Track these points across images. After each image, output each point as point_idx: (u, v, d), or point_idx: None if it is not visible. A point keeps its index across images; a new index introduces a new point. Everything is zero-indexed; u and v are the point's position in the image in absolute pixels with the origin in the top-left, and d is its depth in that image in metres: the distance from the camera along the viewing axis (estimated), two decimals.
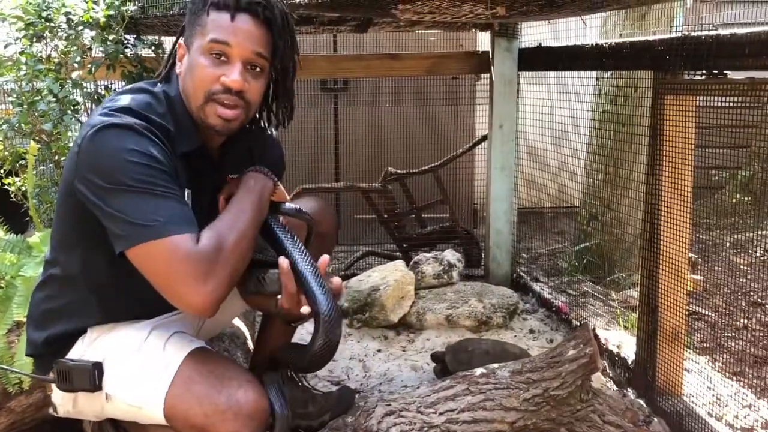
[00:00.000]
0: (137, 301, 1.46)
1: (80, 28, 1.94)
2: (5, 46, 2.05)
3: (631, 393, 2.20)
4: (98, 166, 1.26)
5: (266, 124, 1.57)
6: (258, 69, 1.39)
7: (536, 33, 3.11)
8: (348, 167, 3.97)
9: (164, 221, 1.23)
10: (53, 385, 1.45)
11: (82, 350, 1.42)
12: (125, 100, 1.35)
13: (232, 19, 1.34)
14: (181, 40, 1.42)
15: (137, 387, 1.36)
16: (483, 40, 3.48)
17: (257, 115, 1.53)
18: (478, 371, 1.94)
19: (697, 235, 4.26)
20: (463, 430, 1.81)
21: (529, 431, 1.86)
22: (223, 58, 1.34)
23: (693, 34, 1.85)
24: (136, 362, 1.39)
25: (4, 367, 1.69)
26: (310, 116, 3.91)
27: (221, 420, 1.28)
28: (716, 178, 4.87)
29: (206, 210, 1.48)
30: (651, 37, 2.04)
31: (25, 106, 1.89)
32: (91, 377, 1.38)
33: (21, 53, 2.01)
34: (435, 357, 2.30)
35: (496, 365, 1.97)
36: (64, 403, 1.47)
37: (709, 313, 2.97)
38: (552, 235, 4.29)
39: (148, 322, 1.49)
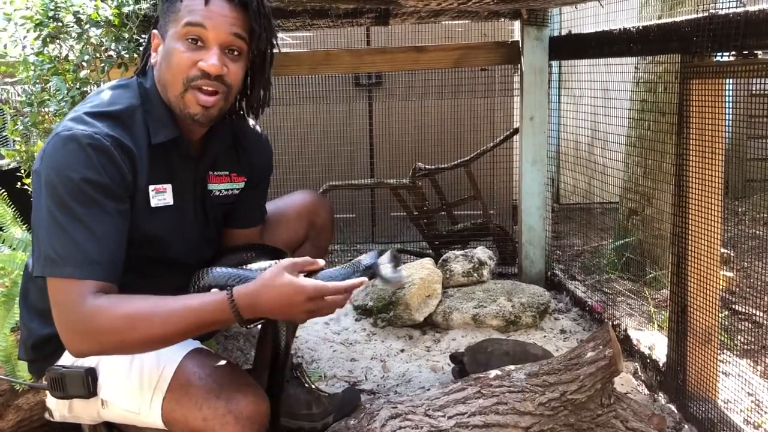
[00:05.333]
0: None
1: (87, 26, 1.94)
2: (23, 48, 2.07)
3: (662, 398, 2.07)
4: (44, 175, 1.25)
5: (245, 114, 1.53)
6: (236, 52, 1.35)
7: (568, 20, 2.98)
8: (383, 163, 3.92)
9: (70, 257, 1.21)
10: (47, 392, 1.44)
11: None
12: (102, 98, 1.35)
13: (206, 3, 1.31)
14: (155, 31, 1.39)
15: (133, 392, 1.34)
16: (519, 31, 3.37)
17: (236, 105, 1.49)
18: (492, 373, 1.85)
19: (756, 231, 4.03)
20: None
21: None
22: (199, 43, 1.31)
23: (721, 12, 1.72)
24: (130, 366, 1.36)
25: (0, 377, 1.69)
26: (344, 112, 3.87)
27: (221, 424, 1.24)
28: None
29: (189, 206, 1.45)
30: (678, 18, 1.91)
31: (35, 106, 1.91)
32: (85, 383, 1.36)
33: (37, 54, 2.03)
34: (454, 358, 2.22)
35: (512, 367, 1.88)
36: (59, 408, 1.46)
37: (759, 313, 2.79)
38: (597, 232, 4.14)
39: None
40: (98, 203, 1.24)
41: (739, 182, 4.76)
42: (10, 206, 2.13)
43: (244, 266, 1.39)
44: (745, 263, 3.21)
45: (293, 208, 1.76)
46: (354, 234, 3.95)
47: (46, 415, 1.51)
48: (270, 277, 1.20)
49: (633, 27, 2.15)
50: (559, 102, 4.02)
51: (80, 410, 1.44)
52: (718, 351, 1.98)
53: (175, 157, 1.40)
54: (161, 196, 1.37)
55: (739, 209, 4.48)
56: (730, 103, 1.88)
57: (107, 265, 1.24)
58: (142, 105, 1.36)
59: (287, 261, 1.23)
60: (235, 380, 1.30)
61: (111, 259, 1.25)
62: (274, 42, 1.45)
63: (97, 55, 2.06)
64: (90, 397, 1.37)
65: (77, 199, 1.23)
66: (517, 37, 3.02)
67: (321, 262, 1.26)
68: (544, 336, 2.59)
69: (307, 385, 1.86)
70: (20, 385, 1.72)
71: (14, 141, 2.05)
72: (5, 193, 2.13)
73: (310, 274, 1.27)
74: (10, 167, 2.24)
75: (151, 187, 1.35)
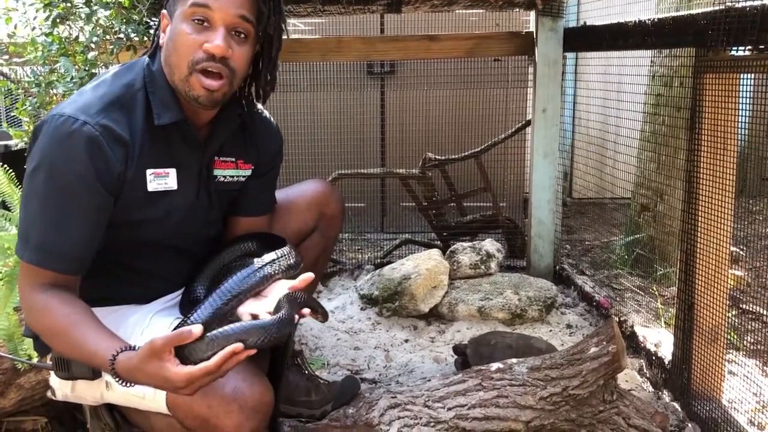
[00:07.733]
0: (135, 278, 1.44)
1: (96, 7, 1.93)
2: (32, 29, 2.07)
3: (666, 395, 2.05)
4: (33, 154, 1.26)
5: (254, 99, 1.51)
6: (243, 35, 1.33)
7: (585, 11, 2.94)
8: (395, 152, 3.89)
9: (33, 242, 1.25)
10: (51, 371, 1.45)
11: None
12: (104, 80, 1.34)
13: None
14: (164, 11, 1.37)
15: None
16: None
17: (246, 91, 1.47)
18: (494, 366, 1.84)
19: None
20: (473, 428, 1.72)
21: None
22: (205, 24, 1.29)
23: (738, 5, 1.68)
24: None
25: (3, 354, 1.70)
26: (356, 100, 3.85)
27: (225, 412, 1.24)
28: None
29: (192, 190, 1.44)
30: (694, 11, 1.87)
31: (43, 87, 1.91)
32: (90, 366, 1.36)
33: (47, 35, 2.03)
34: (457, 349, 2.21)
35: (514, 360, 1.87)
36: (62, 387, 1.46)
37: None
38: (608, 227, 4.10)
39: (149, 307, 1.47)
40: (76, 195, 1.25)
41: (756, 180, 4.69)
42: (17, 186, 2.13)
43: (248, 257, 1.40)
44: (758, 263, 3.17)
45: (303, 198, 1.74)
46: (363, 223, 3.94)
47: (49, 394, 1.51)
48: (141, 360, 1.13)
49: (648, 19, 2.12)
50: (575, 95, 3.97)
51: (83, 391, 1.44)
52: (725, 350, 1.95)
53: (179, 141, 1.38)
54: (162, 180, 1.36)
55: (754, 208, 4.42)
56: (749, 100, 1.84)
57: (69, 259, 1.27)
58: (146, 86, 1.34)
59: (158, 342, 1.11)
60: (242, 370, 1.28)
61: (75, 254, 1.28)
62: (283, 26, 1.43)
63: (107, 37, 2.05)
64: (94, 379, 1.37)
65: (56, 188, 1.24)
66: (531, 27, 2.98)
67: (196, 332, 1.12)
68: (550, 330, 2.58)
69: (306, 372, 1.86)
70: (23, 365, 1.72)
71: (24, 121, 2.05)
72: (13, 174, 2.13)
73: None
74: (18, 147, 2.24)
75: (149, 172, 1.34)
